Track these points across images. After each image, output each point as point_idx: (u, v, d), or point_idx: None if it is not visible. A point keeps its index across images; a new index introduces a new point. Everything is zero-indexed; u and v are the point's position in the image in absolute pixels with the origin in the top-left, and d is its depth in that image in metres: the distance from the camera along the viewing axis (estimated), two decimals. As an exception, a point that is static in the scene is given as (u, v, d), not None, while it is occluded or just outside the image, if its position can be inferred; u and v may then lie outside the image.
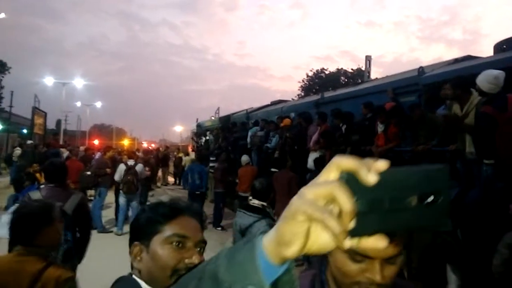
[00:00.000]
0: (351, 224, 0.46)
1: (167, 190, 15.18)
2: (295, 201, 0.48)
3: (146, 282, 1.09)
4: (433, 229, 0.79)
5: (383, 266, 0.88)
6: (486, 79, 3.96)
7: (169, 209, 1.14)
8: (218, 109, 19.60)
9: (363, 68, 16.18)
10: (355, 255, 0.87)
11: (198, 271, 0.55)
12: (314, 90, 29.54)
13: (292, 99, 13.37)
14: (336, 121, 6.17)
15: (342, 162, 0.47)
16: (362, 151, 5.43)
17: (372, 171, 0.46)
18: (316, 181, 0.48)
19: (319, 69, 37.37)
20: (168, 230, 1.10)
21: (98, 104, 41.94)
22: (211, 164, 10.07)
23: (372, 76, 14.78)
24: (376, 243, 0.47)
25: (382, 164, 0.46)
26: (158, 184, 16.14)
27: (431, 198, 0.46)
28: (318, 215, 0.46)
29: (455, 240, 3.49)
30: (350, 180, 0.46)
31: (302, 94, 32.55)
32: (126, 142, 30.97)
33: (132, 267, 1.13)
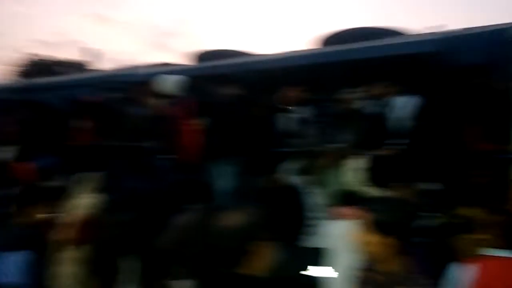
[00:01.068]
0: None
1: None
2: None
3: None
4: None
5: None
6: (168, 82, 4.57)
7: None
8: None
9: (88, 60, 15.65)
10: None
11: None
12: (31, 76, 26.35)
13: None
14: (26, 111, 5.62)
15: None
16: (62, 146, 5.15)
17: None
18: None
19: (40, 54, 33.57)
20: None
21: None
22: None
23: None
24: None
25: None
26: None
27: None
28: None
29: (130, 231, 3.73)
30: None
31: (21, 78, 28.42)
32: None
33: None
